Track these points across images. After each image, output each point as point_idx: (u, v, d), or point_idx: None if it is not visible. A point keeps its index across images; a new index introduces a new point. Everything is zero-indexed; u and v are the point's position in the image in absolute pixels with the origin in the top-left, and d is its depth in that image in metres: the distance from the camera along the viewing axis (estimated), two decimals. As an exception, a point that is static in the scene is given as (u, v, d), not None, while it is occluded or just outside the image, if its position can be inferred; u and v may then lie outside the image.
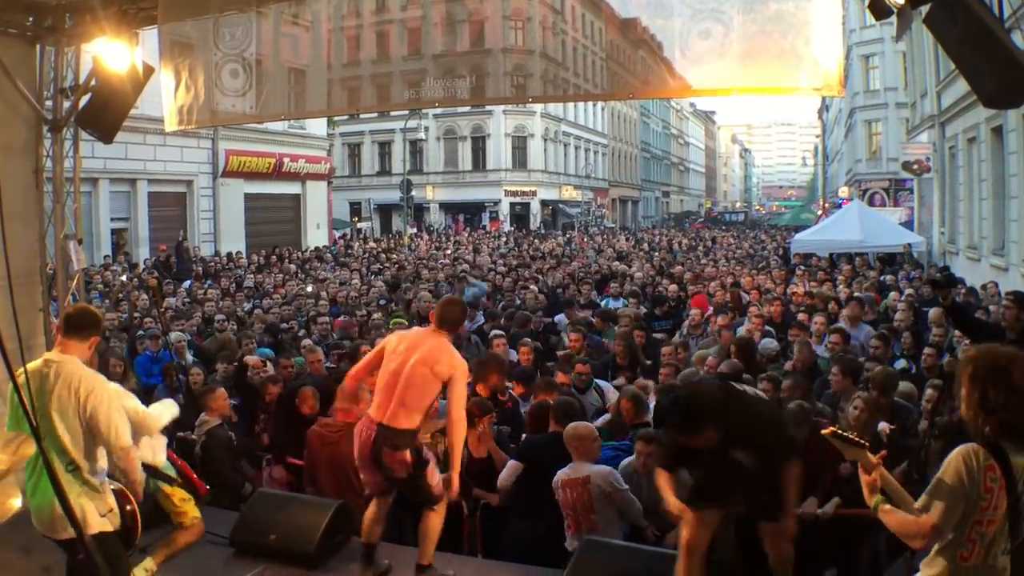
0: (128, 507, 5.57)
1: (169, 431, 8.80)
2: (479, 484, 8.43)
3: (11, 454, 3.55)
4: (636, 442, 7.92)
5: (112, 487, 5.49)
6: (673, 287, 19.09)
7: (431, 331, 7.05)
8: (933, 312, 13.47)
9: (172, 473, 7.02)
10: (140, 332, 14.05)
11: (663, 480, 6.06)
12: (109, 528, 5.41)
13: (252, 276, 25.11)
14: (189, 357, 13.19)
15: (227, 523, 8.02)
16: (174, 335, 13.73)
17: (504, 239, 45.49)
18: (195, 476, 7.24)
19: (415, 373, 6.72)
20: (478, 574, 7.56)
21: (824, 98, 68.10)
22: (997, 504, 3.96)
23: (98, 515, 5.33)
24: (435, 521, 6.98)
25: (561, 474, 7.48)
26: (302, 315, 16.66)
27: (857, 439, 4.43)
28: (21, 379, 4.51)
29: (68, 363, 5.38)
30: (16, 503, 3.67)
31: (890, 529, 4.27)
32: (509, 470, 8.04)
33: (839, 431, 4.50)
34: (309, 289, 20.67)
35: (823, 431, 4.56)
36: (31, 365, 5.44)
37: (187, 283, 23.52)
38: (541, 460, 7.82)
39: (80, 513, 5.16)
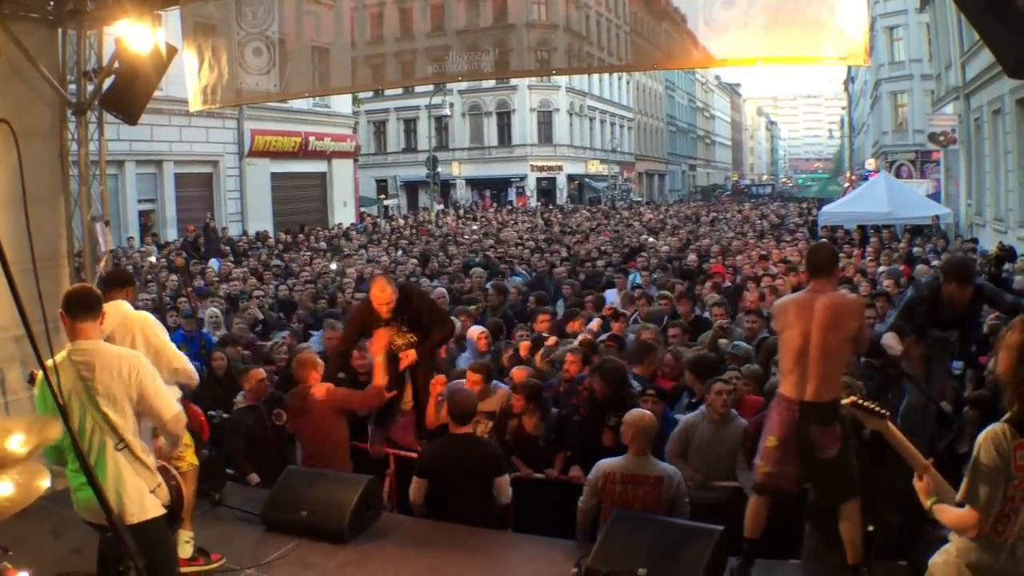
0: (172, 482, 5.61)
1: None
2: (525, 458, 8.49)
3: (35, 435, 3.55)
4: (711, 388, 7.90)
5: (157, 464, 5.53)
6: (693, 258, 19.14)
7: (819, 292, 6.43)
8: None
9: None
10: (172, 309, 13.95)
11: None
12: (159, 511, 5.43)
13: (280, 255, 25.19)
14: (223, 332, 13.17)
15: (259, 500, 8.08)
16: (209, 310, 13.74)
17: (532, 215, 45.37)
18: (203, 419, 7.31)
19: (829, 342, 6.24)
20: (508, 547, 7.57)
21: (850, 69, 67.73)
22: None
23: (148, 493, 5.36)
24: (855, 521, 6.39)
25: (613, 465, 7.14)
26: (328, 292, 16.70)
27: (877, 409, 4.40)
28: (49, 364, 4.52)
29: (100, 350, 5.36)
30: (44, 483, 3.66)
31: (947, 525, 4.28)
32: (415, 488, 7.77)
33: (859, 401, 4.47)
34: (333, 267, 20.71)
35: (844, 401, 4.52)
36: (57, 358, 5.41)
37: (214, 262, 23.53)
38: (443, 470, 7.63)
39: (137, 496, 5.22)
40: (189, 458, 6.99)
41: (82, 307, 5.41)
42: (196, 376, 7.30)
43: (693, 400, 8.67)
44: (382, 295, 8.33)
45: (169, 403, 5.52)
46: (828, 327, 6.24)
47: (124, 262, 21.43)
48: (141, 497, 5.28)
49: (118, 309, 6.90)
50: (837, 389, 6.34)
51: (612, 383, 8.43)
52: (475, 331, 11.01)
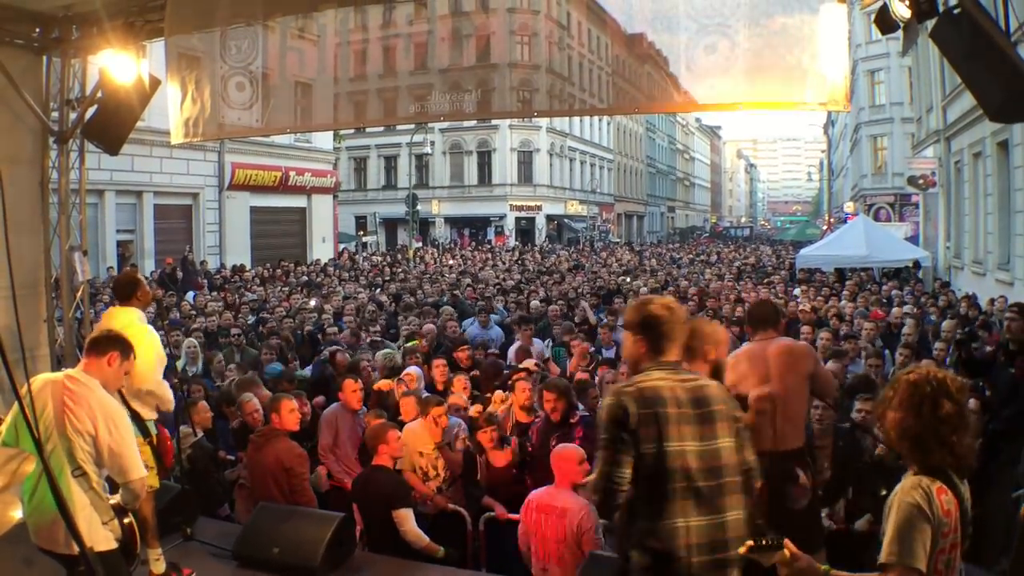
0: (126, 520, 5.59)
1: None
2: (494, 494, 8.44)
3: (11, 472, 3.53)
4: None
5: (112, 502, 5.52)
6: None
7: (767, 340, 6.74)
8: (946, 324, 13.43)
9: (152, 432, 7.26)
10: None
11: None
12: (113, 544, 5.44)
13: (258, 289, 25.09)
14: (200, 365, 13.12)
15: (231, 536, 8.00)
16: (187, 340, 13.64)
17: (510, 254, 45.37)
18: (170, 445, 7.64)
19: (789, 383, 6.44)
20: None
21: (830, 113, 68.40)
22: (956, 526, 3.68)
23: (101, 526, 5.35)
24: None
25: (535, 494, 7.18)
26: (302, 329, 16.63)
27: (774, 543, 3.85)
28: (24, 390, 4.51)
29: (92, 388, 5.43)
30: (17, 514, 3.62)
31: None
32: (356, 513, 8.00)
33: (756, 542, 3.90)
34: (312, 303, 20.62)
35: (739, 550, 3.99)
36: (50, 376, 5.49)
37: (191, 295, 23.43)
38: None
39: (86, 525, 5.19)
40: (150, 480, 6.97)
41: (92, 346, 5.76)
42: (170, 400, 7.55)
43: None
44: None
45: (137, 465, 5.56)
46: (786, 369, 6.45)
47: (101, 292, 21.29)
48: (90, 527, 5.29)
49: (127, 318, 7.08)
50: (803, 435, 6.56)
51: (563, 393, 8.52)
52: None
